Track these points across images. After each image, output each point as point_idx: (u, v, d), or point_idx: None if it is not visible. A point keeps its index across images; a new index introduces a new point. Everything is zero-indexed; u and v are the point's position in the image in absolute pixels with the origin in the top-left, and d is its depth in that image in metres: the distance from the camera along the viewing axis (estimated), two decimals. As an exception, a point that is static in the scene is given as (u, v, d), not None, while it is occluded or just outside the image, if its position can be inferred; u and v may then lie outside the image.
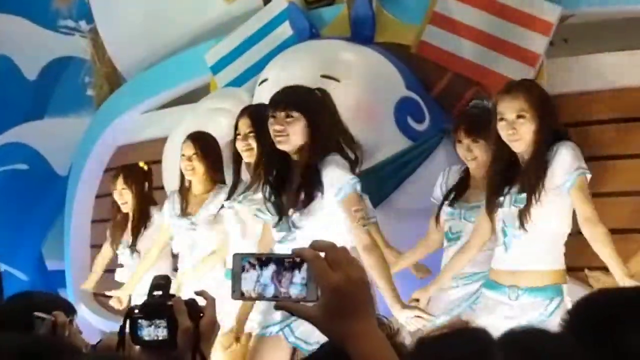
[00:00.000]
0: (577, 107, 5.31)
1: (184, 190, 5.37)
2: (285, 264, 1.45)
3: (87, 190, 7.77)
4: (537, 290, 3.97)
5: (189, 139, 5.30)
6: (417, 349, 1.39)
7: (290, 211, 4.01)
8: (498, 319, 3.97)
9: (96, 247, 7.62)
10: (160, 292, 1.95)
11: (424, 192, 4.88)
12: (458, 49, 5.53)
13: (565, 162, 3.95)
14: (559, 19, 5.34)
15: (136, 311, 1.94)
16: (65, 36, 8.88)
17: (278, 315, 4.06)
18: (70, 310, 2.79)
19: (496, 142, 4.09)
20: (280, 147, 4.01)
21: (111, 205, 6.11)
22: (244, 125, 4.87)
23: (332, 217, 4.00)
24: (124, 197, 5.90)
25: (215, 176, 5.30)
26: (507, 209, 4.01)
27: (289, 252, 1.47)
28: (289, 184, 4.07)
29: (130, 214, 5.92)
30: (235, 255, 1.48)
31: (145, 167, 5.81)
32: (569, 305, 3.76)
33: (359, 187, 4.01)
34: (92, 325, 7.25)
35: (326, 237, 1.61)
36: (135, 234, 5.87)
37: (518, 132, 3.97)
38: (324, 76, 5.24)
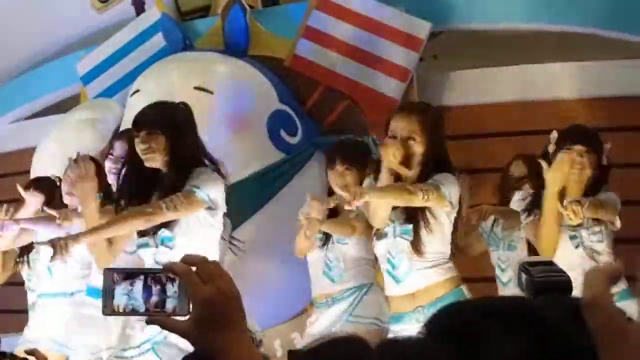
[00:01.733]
0: (448, 121, 5.45)
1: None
2: (157, 279, 1.45)
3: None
4: (438, 301, 4.00)
5: (74, 161, 5.08)
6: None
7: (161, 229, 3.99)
8: None
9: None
10: None
11: (297, 204, 4.91)
12: (330, 63, 5.60)
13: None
14: (428, 35, 5.47)
15: None
16: None
17: (136, 339, 4.02)
18: None
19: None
20: (147, 164, 4.04)
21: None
22: (119, 149, 4.76)
23: (200, 229, 4.00)
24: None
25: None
26: (392, 240, 4.01)
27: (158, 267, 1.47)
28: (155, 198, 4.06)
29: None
30: (106, 271, 1.47)
31: (57, 180, 5.63)
32: None
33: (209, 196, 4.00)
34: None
35: (196, 251, 1.59)
36: None
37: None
38: (197, 88, 5.23)
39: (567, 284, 1.25)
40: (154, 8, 6.19)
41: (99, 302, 4.66)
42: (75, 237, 4.01)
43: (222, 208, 4.02)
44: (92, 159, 5.00)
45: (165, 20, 5.99)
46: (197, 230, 3.98)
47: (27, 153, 6.37)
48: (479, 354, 1.07)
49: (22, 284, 5.51)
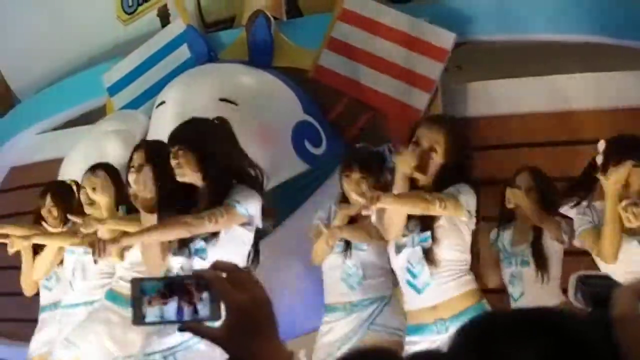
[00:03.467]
0: (472, 132, 5.44)
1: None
2: (187, 286, 1.45)
3: (-20, 213, 7.59)
4: (461, 315, 3.99)
5: (90, 171, 5.14)
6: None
7: (197, 241, 4.03)
8: None
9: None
10: None
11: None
12: (354, 74, 5.60)
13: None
14: (453, 46, 5.46)
15: None
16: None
17: (160, 344, 4.03)
18: None
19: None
20: (178, 179, 4.13)
21: (33, 222, 5.92)
22: (138, 158, 4.81)
23: (234, 244, 4.04)
24: (53, 213, 5.75)
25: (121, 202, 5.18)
26: (411, 249, 3.99)
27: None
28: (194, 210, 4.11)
29: (59, 230, 5.78)
30: (134, 280, 1.47)
31: (74, 185, 5.67)
32: None
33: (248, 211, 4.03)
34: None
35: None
36: None
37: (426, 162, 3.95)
38: (222, 99, 5.25)
39: None
40: (179, 20, 6.22)
41: (117, 308, 4.67)
42: (115, 240, 4.05)
43: (258, 224, 4.07)
44: (107, 168, 5.05)
45: (190, 32, 6.02)
46: (230, 244, 4.03)
47: (54, 164, 6.42)
48: None
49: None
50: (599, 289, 1.31)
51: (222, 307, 1.42)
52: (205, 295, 1.43)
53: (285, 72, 5.68)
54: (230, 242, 4.03)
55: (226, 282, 1.41)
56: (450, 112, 5.43)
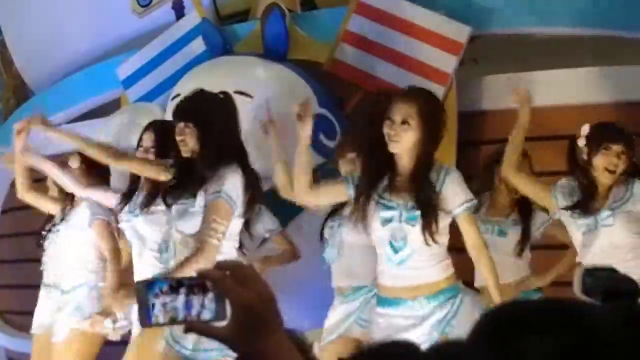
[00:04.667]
0: (487, 125, 5.43)
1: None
2: (192, 286, 1.44)
3: (-8, 205, 7.62)
4: (440, 293, 4.01)
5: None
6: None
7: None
8: (408, 333, 3.97)
9: (1, 262, 7.49)
10: None
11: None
12: (370, 67, 5.60)
13: (456, 194, 4.00)
14: (468, 39, 5.45)
15: None
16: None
17: (189, 342, 4.06)
18: None
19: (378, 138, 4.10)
20: (184, 154, 4.21)
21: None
22: (148, 139, 4.89)
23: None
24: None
25: None
26: (397, 225, 4.00)
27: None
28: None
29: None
30: (140, 282, 1.47)
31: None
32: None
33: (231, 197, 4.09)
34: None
35: None
36: None
37: (399, 136, 3.98)
38: (237, 92, 5.23)
39: (636, 290, 1.25)
40: (194, 12, 6.22)
41: None
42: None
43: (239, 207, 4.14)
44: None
45: (205, 25, 6.01)
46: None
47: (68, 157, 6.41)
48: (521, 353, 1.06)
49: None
50: (607, 282, 1.30)
51: (228, 306, 1.42)
52: (210, 295, 1.43)
53: (300, 65, 5.67)
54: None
55: (230, 280, 1.40)
56: (466, 105, 5.42)
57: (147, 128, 4.96)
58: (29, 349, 5.78)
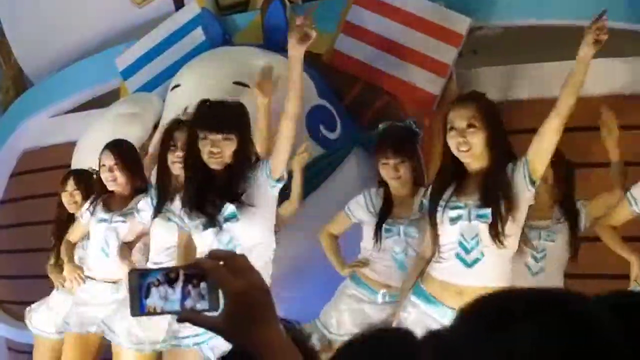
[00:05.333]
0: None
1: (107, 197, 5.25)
2: (185, 276, 1.44)
3: (-7, 195, 7.61)
4: None
5: (108, 148, 5.15)
6: (338, 355, 1.40)
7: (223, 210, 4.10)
8: None
9: (1, 252, 7.49)
10: None
11: (335, 202, 4.90)
12: (369, 58, 5.58)
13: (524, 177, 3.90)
14: (468, 31, 5.44)
15: None
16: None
17: (189, 329, 4.06)
18: None
19: (443, 152, 4.04)
20: (213, 166, 4.11)
21: (57, 206, 5.93)
22: (182, 139, 4.72)
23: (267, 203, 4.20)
24: (75, 198, 5.76)
25: (135, 184, 5.16)
26: (466, 223, 3.90)
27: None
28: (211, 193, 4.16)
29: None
30: (132, 272, 1.46)
31: (94, 174, 5.68)
32: None
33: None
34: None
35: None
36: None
37: (468, 142, 3.89)
38: (236, 83, 5.23)
39: None
40: (194, 2, 6.21)
41: None
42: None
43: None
44: (128, 145, 5.07)
45: (204, 15, 6.00)
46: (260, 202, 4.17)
47: (68, 147, 6.42)
48: (515, 347, 1.06)
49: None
50: None
51: (221, 296, 1.41)
52: (203, 285, 1.43)
53: (299, 56, 5.65)
54: (260, 199, 4.11)
55: (224, 270, 1.40)
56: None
57: (180, 128, 4.79)
58: (29, 339, 5.77)
